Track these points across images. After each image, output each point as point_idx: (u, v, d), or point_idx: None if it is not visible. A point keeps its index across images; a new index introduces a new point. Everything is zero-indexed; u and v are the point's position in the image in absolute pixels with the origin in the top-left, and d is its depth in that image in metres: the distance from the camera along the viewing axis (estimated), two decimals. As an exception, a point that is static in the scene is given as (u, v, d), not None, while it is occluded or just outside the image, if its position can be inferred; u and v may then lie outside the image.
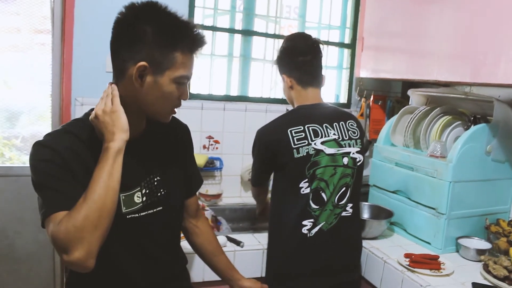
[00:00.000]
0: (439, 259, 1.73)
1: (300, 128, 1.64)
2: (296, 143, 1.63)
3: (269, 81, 2.61)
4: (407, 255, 1.73)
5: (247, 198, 2.47)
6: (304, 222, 1.64)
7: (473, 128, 1.84)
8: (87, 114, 1.20)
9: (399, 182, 2.03)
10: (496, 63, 1.63)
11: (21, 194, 2.30)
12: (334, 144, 1.66)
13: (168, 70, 1.11)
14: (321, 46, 1.74)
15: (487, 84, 1.86)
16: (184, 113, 2.33)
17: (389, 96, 2.60)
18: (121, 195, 1.16)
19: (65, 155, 1.10)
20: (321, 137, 1.65)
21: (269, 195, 1.85)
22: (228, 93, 2.52)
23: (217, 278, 1.57)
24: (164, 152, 1.31)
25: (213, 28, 2.42)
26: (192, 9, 2.31)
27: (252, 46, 2.51)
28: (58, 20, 2.18)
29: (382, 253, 1.80)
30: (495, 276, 1.57)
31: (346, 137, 1.70)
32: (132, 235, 1.23)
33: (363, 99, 2.57)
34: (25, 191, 2.28)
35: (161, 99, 1.14)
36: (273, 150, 1.66)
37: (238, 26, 2.52)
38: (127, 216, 1.20)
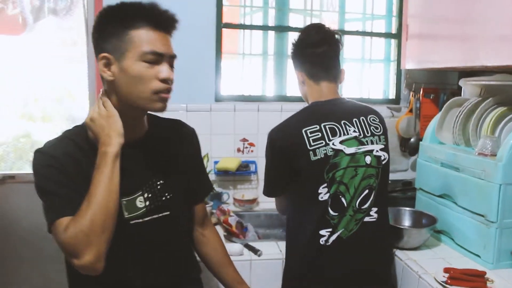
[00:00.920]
0: (487, 276, 1.46)
1: (316, 127, 1.48)
2: (312, 144, 1.47)
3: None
4: (446, 270, 1.48)
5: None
6: (322, 232, 1.47)
7: (529, 119, 1.54)
8: (77, 126, 1.22)
9: (445, 184, 1.77)
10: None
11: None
12: (354, 142, 1.49)
13: (128, 51, 1.09)
14: (337, 37, 1.57)
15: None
16: (216, 116, 2.31)
17: (443, 88, 2.31)
18: (122, 200, 1.14)
19: (63, 161, 1.11)
20: (340, 135, 1.48)
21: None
22: (263, 93, 2.42)
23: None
24: (168, 156, 1.28)
25: (242, 26, 2.35)
26: (219, 8, 2.25)
27: (288, 43, 2.39)
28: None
29: (419, 266, 1.57)
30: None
31: (368, 133, 1.51)
32: (137, 241, 1.20)
33: (411, 93, 2.31)
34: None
35: (134, 83, 1.10)
36: (287, 154, 1.50)
37: (272, 23, 2.41)
38: (131, 222, 1.18)
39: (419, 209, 1.90)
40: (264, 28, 2.38)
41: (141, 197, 1.19)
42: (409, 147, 2.35)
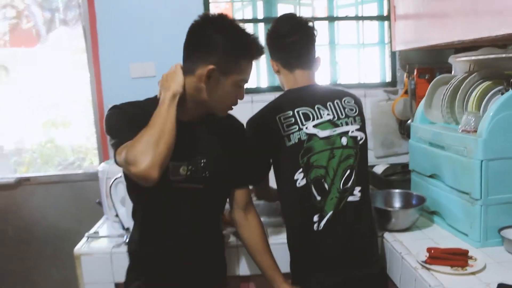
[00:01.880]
0: (471, 254, 1.43)
1: (289, 113, 1.51)
2: (286, 130, 1.50)
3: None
4: (429, 250, 1.46)
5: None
6: (314, 218, 1.50)
7: (510, 92, 1.49)
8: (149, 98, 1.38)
9: (434, 164, 1.74)
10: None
11: (77, 198, 2.53)
12: (328, 125, 1.51)
13: (232, 74, 1.28)
14: (310, 24, 1.58)
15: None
16: (234, 108, 2.35)
17: (439, 68, 2.24)
18: (170, 162, 1.27)
19: (132, 116, 1.30)
20: (313, 119, 1.50)
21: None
22: (258, 85, 2.45)
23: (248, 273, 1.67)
24: (215, 141, 1.43)
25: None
26: (207, 4, 2.29)
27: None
28: (88, 37, 2.35)
29: (404, 247, 1.56)
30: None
31: (342, 115, 1.53)
32: (177, 203, 1.38)
33: (405, 75, 2.27)
34: (81, 195, 2.51)
35: (222, 98, 1.32)
36: (263, 142, 1.54)
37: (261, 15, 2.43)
38: (173, 185, 1.35)
39: (413, 191, 1.87)
40: (253, 21, 2.40)
41: (185, 167, 1.36)
42: (407, 129, 2.31)
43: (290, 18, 1.61)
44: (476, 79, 1.69)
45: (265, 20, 2.40)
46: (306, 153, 1.49)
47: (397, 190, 1.87)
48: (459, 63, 1.91)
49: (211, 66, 1.25)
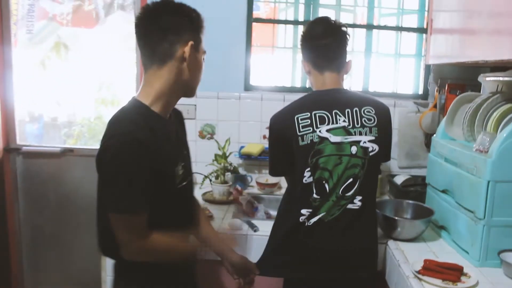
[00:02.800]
0: (466, 271, 1.47)
1: (307, 114, 1.58)
2: (301, 130, 1.57)
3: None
4: (426, 261, 1.51)
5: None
6: (303, 211, 1.58)
7: (526, 117, 1.50)
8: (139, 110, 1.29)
9: (446, 180, 1.77)
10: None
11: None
12: (341, 132, 1.56)
13: (200, 46, 1.32)
14: (343, 29, 1.64)
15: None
16: (244, 104, 2.48)
17: (472, 85, 2.23)
18: (174, 169, 1.32)
19: (146, 152, 1.22)
20: (328, 124, 1.56)
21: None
22: (293, 84, 2.54)
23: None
24: (182, 130, 1.50)
25: (271, 21, 2.48)
26: (250, 4, 2.40)
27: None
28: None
29: (403, 256, 1.61)
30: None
31: (357, 124, 1.57)
32: (182, 202, 1.41)
33: (436, 89, 2.28)
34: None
35: (198, 74, 1.36)
36: (282, 138, 1.62)
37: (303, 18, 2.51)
38: (178, 186, 1.36)
39: (424, 204, 1.91)
40: (294, 22, 2.49)
41: (180, 165, 1.36)
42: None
43: (324, 21, 1.67)
44: (499, 100, 1.70)
45: (305, 22, 2.47)
46: (316, 155, 1.56)
47: (408, 201, 1.91)
48: (488, 82, 1.91)
49: (191, 42, 1.27)
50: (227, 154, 2.28)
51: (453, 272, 1.45)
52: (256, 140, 2.49)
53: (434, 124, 2.30)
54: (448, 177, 1.75)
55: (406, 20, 2.49)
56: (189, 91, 1.37)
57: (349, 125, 1.57)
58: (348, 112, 1.58)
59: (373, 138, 1.57)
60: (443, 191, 1.80)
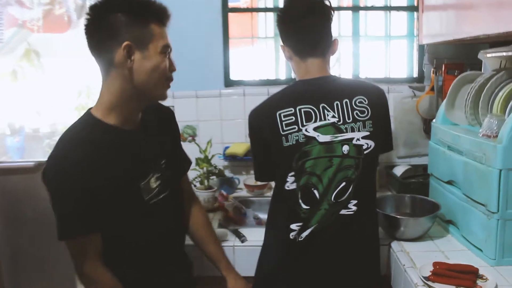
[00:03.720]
0: (482, 273, 1.29)
1: (291, 110, 1.36)
2: (285, 129, 1.36)
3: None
4: (435, 265, 1.34)
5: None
6: (292, 226, 1.39)
7: (538, 94, 1.32)
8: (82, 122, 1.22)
9: (451, 170, 1.59)
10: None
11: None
12: (331, 129, 1.35)
13: (150, 43, 1.16)
14: (326, 3, 1.40)
15: None
16: (225, 101, 2.29)
17: (471, 64, 2.05)
18: (140, 184, 1.23)
19: (85, 174, 1.15)
20: (315, 121, 1.35)
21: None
22: (277, 77, 2.35)
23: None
24: (160, 137, 1.34)
25: (248, 10, 2.29)
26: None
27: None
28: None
29: (409, 259, 1.43)
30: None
31: (349, 119, 1.35)
32: (156, 218, 1.28)
33: (432, 70, 2.10)
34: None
35: (153, 72, 1.18)
36: (264, 138, 1.41)
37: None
38: (150, 202, 1.26)
39: (428, 197, 1.73)
40: (274, 10, 2.29)
41: (153, 178, 1.26)
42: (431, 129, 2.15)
43: None
44: (504, 78, 1.52)
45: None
46: (302, 157, 1.35)
47: (410, 195, 1.74)
48: (490, 59, 1.73)
49: (125, 43, 1.13)
50: (210, 157, 2.09)
51: (467, 276, 1.27)
52: (241, 139, 2.30)
53: (433, 108, 2.12)
54: (453, 167, 1.58)
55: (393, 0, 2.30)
56: (149, 96, 1.23)
57: (339, 120, 1.35)
58: (337, 105, 1.36)
59: (367, 133, 1.36)
60: (448, 182, 1.63)
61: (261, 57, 2.38)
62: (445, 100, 1.73)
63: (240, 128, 2.30)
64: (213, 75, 2.28)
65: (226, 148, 2.29)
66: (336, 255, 1.40)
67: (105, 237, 1.20)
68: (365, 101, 1.38)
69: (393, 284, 1.52)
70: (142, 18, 1.16)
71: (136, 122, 1.26)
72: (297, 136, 1.35)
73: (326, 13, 1.40)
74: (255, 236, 1.68)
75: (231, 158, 2.25)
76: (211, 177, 2.16)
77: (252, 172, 2.31)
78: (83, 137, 1.17)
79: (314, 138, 1.35)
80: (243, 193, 2.28)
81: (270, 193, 2.25)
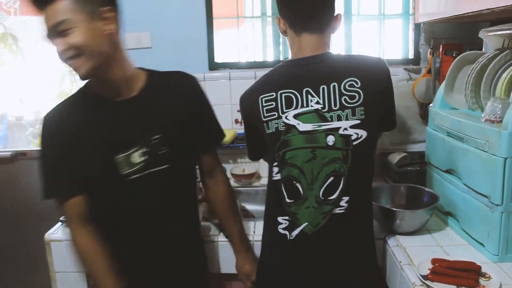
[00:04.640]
0: (484, 270, 1.19)
1: (272, 95, 1.23)
2: (265, 115, 1.24)
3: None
4: (434, 262, 1.23)
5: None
6: (279, 219, 1.28)
7: (548, 75, 1.20)
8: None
9: (451, 158, 1.48)
10: None
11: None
12: (313, 117, 1.21)
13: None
14: None
15: None
16: (210, 85, 2.15)
17: (471, 44, 1.92)
18: (116, 157, 1.20)
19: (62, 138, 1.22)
20: (296, 107, 1.21)
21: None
22: (265, 59, 2.21)
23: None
24: (166, 109, 1.27)
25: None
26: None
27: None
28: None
29: (406, 255, 1.33)
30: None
31: (335, 106, 1.20)
32: (138, 196, 1.24)
33: (429, 51, 1.97)
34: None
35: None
36: (250, 121, 1.33)
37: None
38: (128, 178, 1.21)
39: (425, 187, 1.62)
40: (259, -14, 2.15)
41: (138, 152, 1.22)
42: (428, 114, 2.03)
43: None
44: (508, 58, 1.40)
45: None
46: (282, 147, 1.23)
47: (407, 185, 1.62)
48: (491, 38, 1.60)
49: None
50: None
51: (469, 274, 1.17)
52: (227, 125, 2.17)
53: (430, 92, 2.00)
54: (452, 155, 1.46)
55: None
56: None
57: (324, 107, 1.21)
58: (323, 89, 1.21)
59: (357, 122, 1.20)
60: (448, 171, 1.51)
61: (247, 38, 2.24)
62: (443, 83, 1.61)
63: (226, 114, 2.17)
64: (197, 58, 2.15)
65: (212, 135, 2.16)
66: (329, 256, 1.27)
67: (89, 206, 1.24)
68: (357, 83, 1.21)
69: (389, 281, 1.41)
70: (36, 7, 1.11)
71: (130, 93, 1.23)
72: (277, 123, 1.23)
73: None
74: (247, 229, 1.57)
75: (216, 146, 2.12)
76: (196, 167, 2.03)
77: (239, 160, 2.22)
78: (71, 102, 1.25)
79: (294, 126, 1.22)
80: (231, 183, 2.16)
81: (258, 183, 2.16)
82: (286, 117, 1.22)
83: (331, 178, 1.23)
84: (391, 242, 1.43)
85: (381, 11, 2.19)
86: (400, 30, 2.16)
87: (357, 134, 1.22)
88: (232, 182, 2.14)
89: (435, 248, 1.37)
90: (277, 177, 1.26)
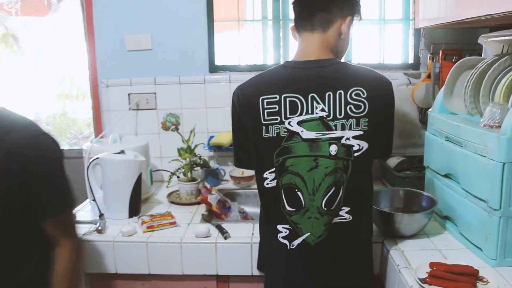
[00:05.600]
0: (482, 274, 1.19)
1: (275, 97, 1.21)
2: (266, 118, 1.22)
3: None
4: (432, 265, 1.24)
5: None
6: (279, 227, 1.27)
7: (546, 81, 1.21)
8: None
9: (449, 163, 1.49)
10: None
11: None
12: (318, 125, 1.20)
13: None
14: None
15: None
16: (211, 88, 2.16)
17: (470, 49, 1.94)
18: None
19: None
20: (301, 113, 1.20)
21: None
22: (265, 62, 2.22)
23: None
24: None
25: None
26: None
27: (288, 5, 2.15)
28: (84, 7, 2.24)
29: (404, 258, 1.33)
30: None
31: (340, 114, 1.20)
32: None
33: (429, 56, 1.98)
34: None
35: None
36: (241, 118, 1.28)
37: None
38: None
39: (424, 191, 1.63)
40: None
41: None
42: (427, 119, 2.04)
43: None
44: (508, 64, 1.41)
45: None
46: (282, 153, 1.22)
47: (405, 189, 1.63)
48: (491, 44, 1.61)
49: None
50: (193, 147, 1.97)
51: (467, 278, 1.17)
52: (226, 128, 2.16)
53: (429, 97, 2.01)
54: (451, 159, 1.47)
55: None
56: None
57: (329, 115, 1.20)
58: (329, 96, 1.20)
59: (360, 133, 1.21)
60: (446, 176, 1.52)
61: (247, 41, 2.24)
62: (443, 87, 1.61)
63: (226, 116, 2.13)
64: (197, 60, 2.15)
65: (211, 137, 2.17)
66: (329, 264, 1.28)
67: None
68: (364, 93, 1.20)
69: (387, 285, 1.42)
70: None
71: None
72: (278, 128, 1.22)
73: None
74: (240, 232, 1.58)
75: (216, 148, 2.12)
76: (195, 168, 2.04)
77: (238, 163, 2.22)
78: None
79: (297, 133, 1.21)
80: (229, 185, 2.17)
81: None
82: (289, 123, 1.21)
83: (333, 189, 1.22)
84: (390, 245, 1.43)
85: (382, 15, 2.19)
86: (400, 35, 2.17)
87: (359, 145, 1.22)
88: (231, 185, 2.16)
89: (433, 252, 1.37)
90: (273, 183, 1.25)
